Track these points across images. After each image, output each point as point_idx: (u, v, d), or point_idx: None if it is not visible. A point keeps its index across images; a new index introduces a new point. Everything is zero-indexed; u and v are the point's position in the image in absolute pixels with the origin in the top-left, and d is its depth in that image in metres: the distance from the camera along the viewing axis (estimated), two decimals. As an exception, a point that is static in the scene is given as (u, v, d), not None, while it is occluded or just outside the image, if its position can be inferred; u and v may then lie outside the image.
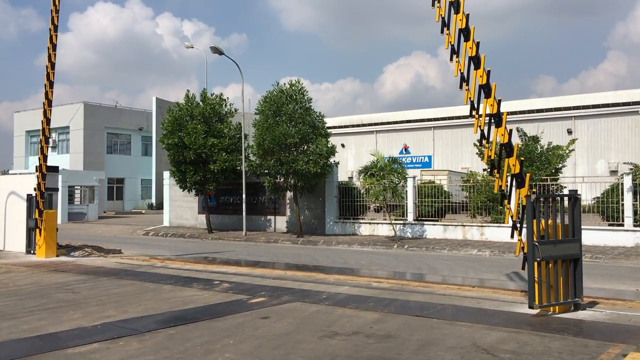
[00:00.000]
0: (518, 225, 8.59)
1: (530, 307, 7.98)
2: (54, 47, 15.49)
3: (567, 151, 21.50)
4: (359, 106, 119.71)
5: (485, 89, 8.90)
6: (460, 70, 9.25)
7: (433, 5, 9.76)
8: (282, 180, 22.25)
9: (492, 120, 8.88)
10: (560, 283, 8.03)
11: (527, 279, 8.15)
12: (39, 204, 15.37)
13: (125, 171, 51.23)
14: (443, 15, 9.47)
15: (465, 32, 9.04)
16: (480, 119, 9.08)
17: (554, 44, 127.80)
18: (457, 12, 9.13)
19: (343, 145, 49.16)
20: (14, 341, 6.68)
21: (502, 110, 8.81)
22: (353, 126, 51.30)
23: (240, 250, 18.70)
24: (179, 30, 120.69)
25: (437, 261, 15.39)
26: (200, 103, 24.90)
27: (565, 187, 20.42)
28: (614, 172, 36.75)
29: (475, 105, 9.07)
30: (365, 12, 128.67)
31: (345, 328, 7.15)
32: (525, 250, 8.61)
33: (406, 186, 21.32)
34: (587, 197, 19.44)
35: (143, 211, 47.31)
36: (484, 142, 9.03)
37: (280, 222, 25.17)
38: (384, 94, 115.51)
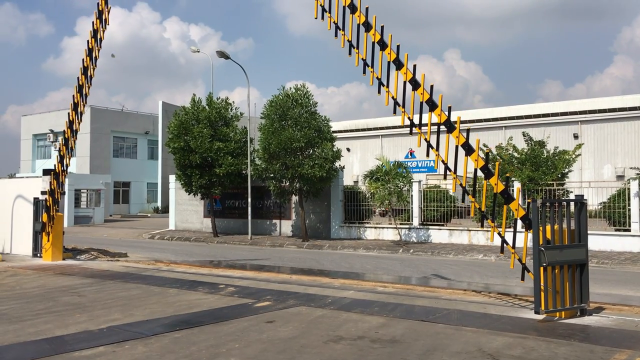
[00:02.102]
0: (509, 238, 8.65)
1: (536, 312, 7.96)
2: (95, 60, 15.02)
3: (574, 156, 21.42)
4: (365, 110, 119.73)
5: (448, 124, 9.20)
6: (409, 118, 9.63)
7: (367, 71, 10.02)
8: (287, 184, 22.27)
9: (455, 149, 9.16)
10: (567, 288, 8.00)
11: (532, 284, 8.14)
12: (50, 208, 15.36)
13: (131, 175, 51.37)
14: (379, 77, 9.77)
15: (413, 82, 9.43)
16: (440, 156, 9.47)
17: (560, 49, 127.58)
18: (398, 68, 9.52)
19: (348, 150, 49.15)
20: (21, 344, 6.71)
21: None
22: (358, 130, 51.29)
23: (246, 255, 18.72)
24: (186, 34, 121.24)
25: (442, 266, 15.35)
26: (206, 107, 24.97)
27: (571, 192, 20.34)
28: (620, 177, 36.60)
29: (435, 144, 9.36)
30: (370, 17, 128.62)
31: (350, 332, 7.15)
32: (524, 261, 8.67)
33: (411, 190, 21.29)
34: (594, 202, 19.36)
35: (149, 215, 47.41)
36: (449, 173, 9.24)
37: (286, 226, 25.18)
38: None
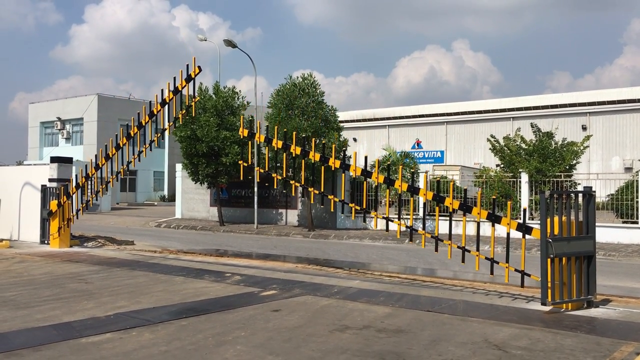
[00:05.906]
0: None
1: (543, 303, 7.93)
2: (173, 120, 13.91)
3: (582, 147, 21.30)
4: (372, 100, 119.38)
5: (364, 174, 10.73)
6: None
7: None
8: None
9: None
10: (574, 280, 7.97)
11: (539, 276, 8.11)
12: (74, 195, 15.32)
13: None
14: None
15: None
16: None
17: (569, 40, 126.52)
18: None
19: (355, 140, 49.07)
20: (28, 330, 6.75)
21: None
22: (365, 120, 51.15)
23: (252, 244, 18.76)
24: (194, 23, 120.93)
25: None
26: (213, 96, 24.94)
27: (579, 184, 20.25)
28: (628, 169, 36.39)
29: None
30: (379, 6, 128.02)
31: (356, 322, 7.15)
32: (523, 267, 8.70)
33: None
34: (601, 194, 19.26)
35: (155, 203, 47.58)
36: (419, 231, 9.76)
37: (292, 216, 25.20)
38: (397, 88, 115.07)
